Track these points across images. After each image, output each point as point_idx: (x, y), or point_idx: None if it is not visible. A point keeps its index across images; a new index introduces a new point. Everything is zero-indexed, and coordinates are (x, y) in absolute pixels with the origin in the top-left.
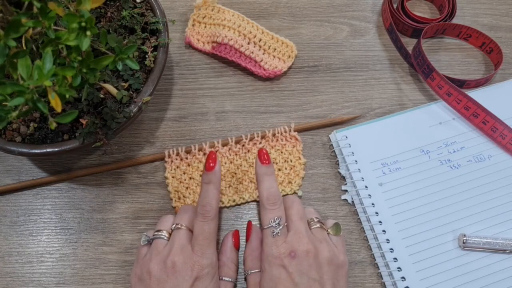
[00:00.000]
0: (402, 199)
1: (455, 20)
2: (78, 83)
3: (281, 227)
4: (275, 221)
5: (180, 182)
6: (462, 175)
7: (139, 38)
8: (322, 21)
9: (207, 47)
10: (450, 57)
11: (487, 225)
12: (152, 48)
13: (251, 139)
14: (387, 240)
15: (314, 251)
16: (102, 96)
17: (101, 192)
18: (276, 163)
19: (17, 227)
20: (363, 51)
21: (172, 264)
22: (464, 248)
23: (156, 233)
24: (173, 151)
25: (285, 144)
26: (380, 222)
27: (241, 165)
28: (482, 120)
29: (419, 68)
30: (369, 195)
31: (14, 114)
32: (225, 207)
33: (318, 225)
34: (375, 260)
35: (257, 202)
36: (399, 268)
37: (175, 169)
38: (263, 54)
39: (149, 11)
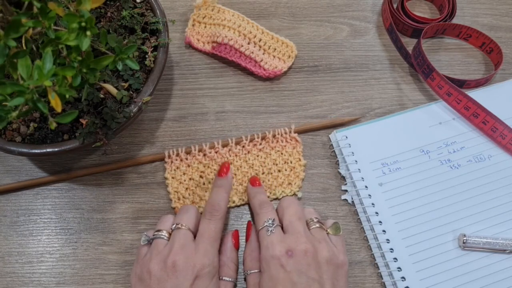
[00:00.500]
0: (402, 199)
1: (455, 20)
2: (78, 83)
3: (275, 225)
4: (268, 221)
5: (180, 183)
6: (462, 175)
7: (139, 38)
8: (322, 21)
9: (207, 47)
10: (450, 57)
11: (487, 225)
12: (152, 48)
13: (251, 140)
14: (387, 240)
15: (312, 250)
16: (102, 96)
17: (101, 192)
18: (276, 165)
19: (17, 227)
20: (363, 51)
21: (173, 264)
22: (464, 248)
23: (156, 233)
24: (173, 151)
25: (285, 146)
26: (380, 222)
27: (241, 166)
28: (482, 120)
29: (419, 68)
30: (369, 195)
31: (14, 114)
32: None
33: (317, 225)
34: (375, 260)
35: None
36: (399, 268)
37: (175, 170)
38: (263, 54)
39: (149, 11)
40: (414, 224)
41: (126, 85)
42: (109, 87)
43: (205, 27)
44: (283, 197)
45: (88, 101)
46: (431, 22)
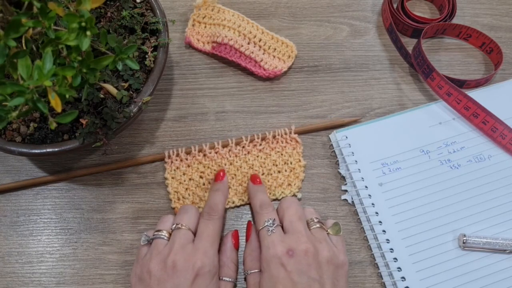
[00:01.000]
0: (402, 199)
1: (455, 20)
2: (78, 83)
3: (275, 225)
4: (269, 221)
5: (180, 183)
6: (462, 175)
7: (139, 38)
8: (322, 21)
9: (207, 47)
10: (450, 57)
11: (487, 225)
12: (152, 48)
13: (251, 141)
14: (387, 240)
15: (313, 250)
16: (102, 96)
17: (101, 192)
18: (276, 165)
19: (17, 227)
20: (363, 51)
21: (173, 264)
22: (464, 248)
23: (156, 233)
24: (173, 152)
25: (285, 146)
26: (380, 222)
27: (241, 167)
28: (482, 120)
29: (419, 68)
30: (369, 195)
31: (14, 114)
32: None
33: (317, 225)
34: (375, 260)
35: None
36: (399, 268)
37: (175, 170)
38: (263, 54)
39: (149, 11)
40: (414, 224)
41: (126, 85)
42: (109, 87)
43: (205, 27)
44: (283, 197)
45: (88, 101)
46: (431, 22)
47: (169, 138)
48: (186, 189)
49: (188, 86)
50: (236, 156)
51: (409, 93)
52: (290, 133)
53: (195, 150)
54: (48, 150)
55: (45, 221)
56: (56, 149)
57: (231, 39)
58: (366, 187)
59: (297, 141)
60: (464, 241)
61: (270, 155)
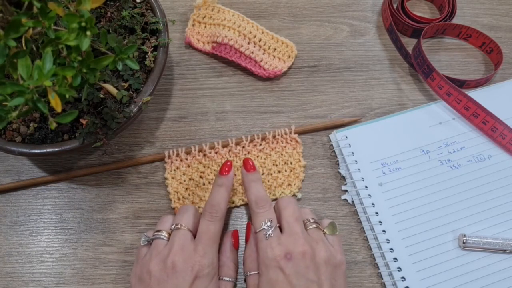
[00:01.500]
0: (402, 199)
1: (455, 20)
2: (78, 83)
3: (273, 228)
4: (266, 223)
5: (180, 183)
6: (462, 175)
7: (139, 38)
8: (322, 21)
9: (207, 47)
10: (450, 57)
11: (487, 225)
12: (152, 48)
13: (251, 141)
14: (387, 240)
15: (310, 252)
16: (102, 96)
17: (101, 192)
18: (276, 165)
19: (17, 227)
20: (363, 51)
21: (172, 264)
22: (464, 248)
23: (155, 233)
24: (173, 152)
25: (285, 146)
26: (380, 222)
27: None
28: (482, 120)
29: (419, 68)
30: (369, 195)
31: (14, 114)
32: None
33: (314, 225)
34: (375, 260)
35: None
36: (399, 268)
37: (175, 170)
38: (263, 54)
39: (149, 11)
40: (414, 224)
41: (126, 85)
42: (109, 87)
43: (205, 27)
44: (280, 197)
45: (88, 101)
46: (431, 22)
47: (169, 138)
48: (186, 189)
49: (188, 86)
50: (236, 156)
51: (409, 93)
52: (290, 133)
53: (195, 150)
54: (48, 150)
55: (45, 221)
56: (56, 149)
57: (231, 39)
58: (366, 187)
59: (297, 141)
60: (464, 241)
61: (270, 155)
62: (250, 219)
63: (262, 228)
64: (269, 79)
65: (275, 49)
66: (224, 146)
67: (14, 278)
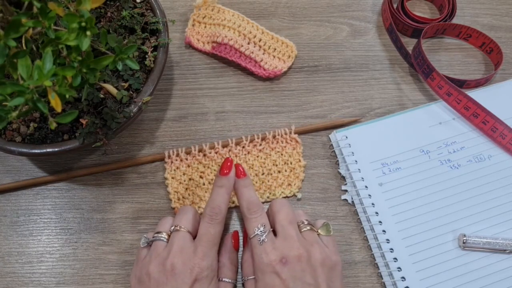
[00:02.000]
0: (402, 199)
1: (455, 20)
2: (78, 83)
3: (266, 233)
4: (259, 229)
5: (180, 183)
6: (462, 175)
7: (139, 38)
8: (322, 21)
9: (207, 47)
10: (450, 57)
11: (487, 225)
12: (152, 48)
13: (251, 141)
14: (387, 240)
15: (306, 255)
16: (102, 96)
17: (101, 192)
18: (276, 165)
19: (17, 227)
20: (363, 51)
21: (171, 267)
22: (464, 248)
23: (155, 235)
24: (173, 152)
25: (285, 146)
26: (380, 222)
27: None
28: (482, 120)
29: (419, 68)
30: (369, 195)
31: (14, 114)
32: None
33: (308, 227)
34: (375, 260)
35: None
36: (399, 268)
37: (175, 170)
38: (263, 54)
39: (149, 11)
40: (414, 224)
41: (126, 85)
42: (109, 87)
43: (205, 27)
44: (273, 199)
45: (88, 101)
46: (431, 22)
47: (169, 138)
48: (186, 189)
49: (188, 86)
50: (236, 156)
51: (409, 93)
52: (290, 133)
53: (195, 150)
54: (48, 150)
55: (45, 221)
56: (56, 149)
57: (231, 39)
58: (366, 187)
59: (297, 141)
60: (464, 241)
61: (270, 155)
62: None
63: (255, 234)
64: (269, 79)
65: (275, 49)
66: (224, 146)
67: (14, 278)
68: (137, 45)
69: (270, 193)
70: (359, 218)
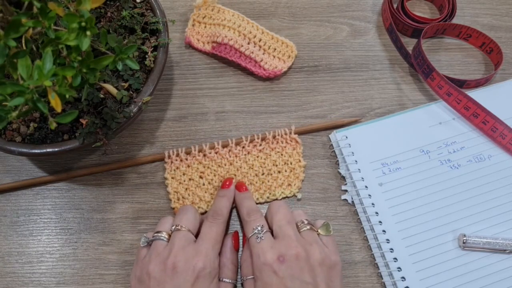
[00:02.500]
0: (402, 199)
1: (455, 20)
2: (78, 83)
3: (264, 232)
4: (257, 228)
5: (180, 183)
6: (462, 175)
7: (139, 38)
8: (322, 21)
9: (207, 47)
10: (450, 57)
11: (487, 225)
12: (152, 48)
13: (251, 141)
14: (387, 240)
15: (304, 254)
16: (102, 96)
17: (101, 192)
18: (276, 165)
19: (17, 227)
20: (363, 51)
21: (173, 265)
22: (464, 248)
23: (155, 234)
24: (173, 152)
25: (285, 147)
26: (380, 222)
27: (241, 167)
28: (482, 120)
29: (419, 68)
30: (369, 195)
31: (14, 114)
32: None
33: (307, 227)
34: (375, 260)
35: (256, 203)
36: (399, 268)
37: (174, 170)
38: (263, 54)
39: (149, 11)
40: (414, 224)
41: (126, 85)
42: (109, 87)
43: (205, 27)
44: (271, 202)
45: (88, 101)
46: (431, 22)
47: (169, 138)
48: (186, 189)
49: (188, 86)
50: (236, 156)
51: (409, 93)
52: (290, 133)
53: (195, 150)
54: (48, 150)
55: (45, 221)
56: (56, 149)
57: (231, 39)
58: (366, 187)
59: (297, 141)
60: (464, 241)
61: (270, 155)
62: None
63: (253, 233)
64: (269, 79)
65: (275, 49)
66: (224, 146)
67: (14, 278)
68: (137, 45)
69: (270, 193)
70: (359, 218)
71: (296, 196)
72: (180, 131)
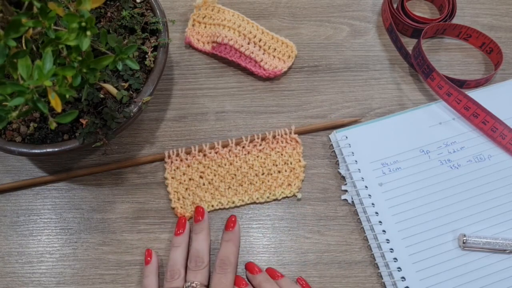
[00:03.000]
0: (402, 199)
1: (455, 20)
2: (78, 83)
3: None
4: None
5: (180, 183)
6: (462, 175)
7: (139, 38)
8: (322, 21)
9: (207, 47)
10: (450, 57)
11: (487, 225)
12: (152, 48)
13: (251, 141)
14: (387, 240)
15: None
16: (102, 96)
17: (101, 192)
18: (276, 165)
19: (17, 227)
20: (363, 51)
21: None
22: (464, 248)
23: None
24: (173, 152)
25: (285, 147)
26: (380, 222)
27: (241, 167)
28: (482, 120)
29: (419, 68)
30: (369, 195)
31: (14, 114)
32: (224, 208)
33: None
34: (375, 260)
35: (256, 203)
36: (399, 268)
37: (175, 170)
38: (263, 54)
39: (149, 11)
40: (414, 224)
41: (126, 85)
42: (109, 87)
43: (205, 27)
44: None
45: (88, 101)
46: (431, 22)
47: (169, 138)
48: (186, 189)
49: (188, 86)
50: (236, 156)
51: (409, 93)
52: (290, 133)
53: (195, 150)
54: (48, 150)
55: (45, 221)
56: (56, 149)
57: (231, 39)
58: (366, 187)
59: (297, 141)
60: (464, 241)
61: (270, 155)
62: (250, 218)
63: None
64: (269, 79)
65: (275, 49)
66: (224, 146)
67: (14, 278)
68: (137, 45)
69: (270, 193)
70: (359, 218)
71: (296, 196)
72: (180, 131)
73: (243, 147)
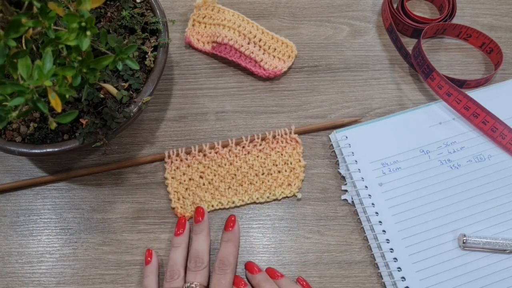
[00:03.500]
0: (402, 199)
1: (455, 20)
2: (78, 83)
3: None
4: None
5: (180, 183)
6: (462, 175)
7: (139, 38)
8: (322, 21)
9: (207, 47)
10: (450, 57)
11: (487, 225)
12: (152, 48)
13: (251, 141)
14: (387, 240)
15: None
16: (102, 96)
17: (101, 192)
18: (276, 165)
19: (17, 227)
20: (363, 51)
21: None
22: (464, 248)
23: None
24: (173, 151)
25: (285, 146)
26: (380, 222)
27: (241, 167)
28: (482, 120)
29: (419, 68)
30: (369, 195)
31: (14, 114)
32: (224, 208)
33: None
34: (375, 260)
35: (256, 203)
36: (399, 268)
37: (175, 170)
38: (263, 54)
39: (149, 11)
40: (414, 224)
41: (126, 85)
42: (109, 87)
43: (205, 27)
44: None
45: (88, 101)
46: (431, 22)
47: (169, 138)
48: (186, 189)
49: (188, 86)
50: (236, 156)
51: (409, 93)
52: (290, 133)
53: (195, 150)
54: (48, 150)
55: (45, 221)
56: (56, 149)
57: (231, 39)
58: (366, 187)
59: (297, 141)
60: (464, 241)
61: (270, 155)
62: (250, 218)
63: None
64: (269, 79)
65: (275, 49)
66: (224, 146)
67: (14, 278)
68: (137, 45)
69: (270, 193)
70: (359, 218)
71: (296, 196)
72: (180, 131)
73: (243, 147)
